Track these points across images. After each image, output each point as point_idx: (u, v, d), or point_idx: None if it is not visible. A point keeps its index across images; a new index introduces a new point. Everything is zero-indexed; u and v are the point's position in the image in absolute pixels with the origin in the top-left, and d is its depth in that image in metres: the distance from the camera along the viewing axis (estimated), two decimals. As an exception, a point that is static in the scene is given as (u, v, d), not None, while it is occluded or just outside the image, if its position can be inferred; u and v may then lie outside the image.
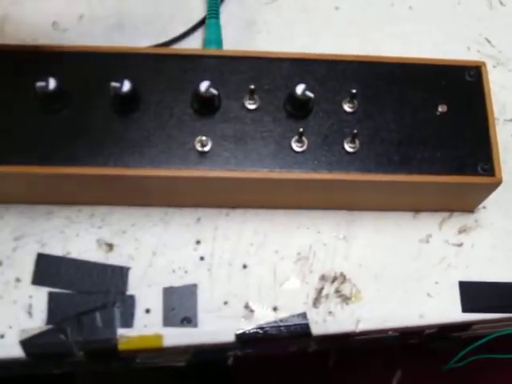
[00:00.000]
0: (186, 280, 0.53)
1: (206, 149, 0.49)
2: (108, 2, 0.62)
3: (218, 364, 0.59)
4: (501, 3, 0.67)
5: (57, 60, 0.51)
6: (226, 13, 0.62)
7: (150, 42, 0.59)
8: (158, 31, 0.61)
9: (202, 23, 0.61)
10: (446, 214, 0.57)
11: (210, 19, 0.59)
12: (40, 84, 0.48)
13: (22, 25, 0.57)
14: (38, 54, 0.51)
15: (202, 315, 0.52)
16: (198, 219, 0.55)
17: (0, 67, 0.50)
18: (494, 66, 0.63)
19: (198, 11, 0.62)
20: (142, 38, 0.60)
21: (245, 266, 0.54)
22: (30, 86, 0.48)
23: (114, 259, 0.53)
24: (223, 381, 0.92)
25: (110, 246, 0.53)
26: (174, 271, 0.53)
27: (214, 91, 0.49)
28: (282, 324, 0.52)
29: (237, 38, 0.61)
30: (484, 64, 0.53)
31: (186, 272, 0.53)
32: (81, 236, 0.53)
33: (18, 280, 0.52)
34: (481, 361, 0.61)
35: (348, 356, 0.91)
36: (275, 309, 0.52)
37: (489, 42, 0.64)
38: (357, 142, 0.50)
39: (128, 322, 0.51)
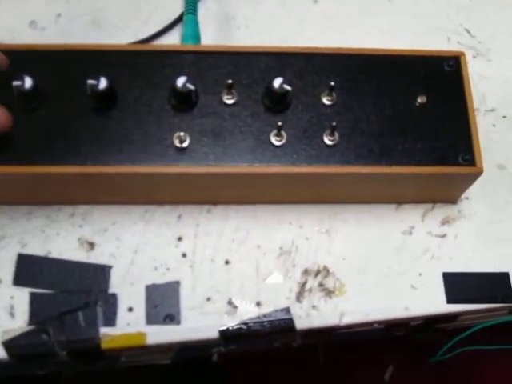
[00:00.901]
0: (169, 277, 0.53)
1: (185, 145, 0.49)
2: (85, 1, 0.62)
3: (203, 361, 0.59)
4: (481, -7, 0.67)
5: (33, 59, 0.50)
6: (204, 9, 0.61)
7: (128, 39, 0.59)
8: (136, 29, 0.61)
9: (179, 20, 0.61)
10: (428, 206, 0.57)
11: (188, 15, 0.58)
12: (16, 83, 0.47)
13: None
14: (15, 52, 0.50)
15: (184, 312, 0.52)
16: (179, 216, 0.54)
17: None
18: (474, 57, 0.63)
19: (176, 8, 0.62)
20: (120, 36, 0.60)
21: (227, 262, 0.53)
22: (7, 86, 0.47)
23: (95, 258, 0.53)
24: (209, 377, 0.92)
25: (91, 245, 0.53)
26: (156, 268, 0.53)
27: (190, 86, 0.48)
28: (265, 319, 0.52)
29: (216, 34, 0.61)
30: (463, 54, 0.53)
31: (168, 269, 0.53)
32: (61, 235, 0.53)
33: (-2, 281, 0.51)
34: (468, 352, 0.61)
35: (338, 351, 0.91)
36: (258, 304, 0.52)
37: (468, 32, 0.64)
38: (336, 134, 0.50)
39: (111, 320, 0.51)
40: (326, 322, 0.52)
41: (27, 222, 0.53)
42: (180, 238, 0.54)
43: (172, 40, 0.60)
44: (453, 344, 0.60)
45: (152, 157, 0.48)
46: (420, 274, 0.54)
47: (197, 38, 0.57)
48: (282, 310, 0.52)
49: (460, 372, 0.84)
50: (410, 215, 0.56)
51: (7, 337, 0.50)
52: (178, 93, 0.49)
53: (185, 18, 0.58)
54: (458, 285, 0.54)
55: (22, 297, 0.51)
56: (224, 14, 0.62)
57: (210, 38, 0.60)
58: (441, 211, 0.56)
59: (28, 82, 0.47)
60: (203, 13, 0.61)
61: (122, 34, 0.60)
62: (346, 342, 0.58)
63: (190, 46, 0.54)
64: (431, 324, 0.57)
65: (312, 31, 0.62)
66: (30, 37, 0.59)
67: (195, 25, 0.58)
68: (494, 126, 0.60)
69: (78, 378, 0.83)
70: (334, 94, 0.51)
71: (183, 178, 0.49)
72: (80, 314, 0.51)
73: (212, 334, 0.51)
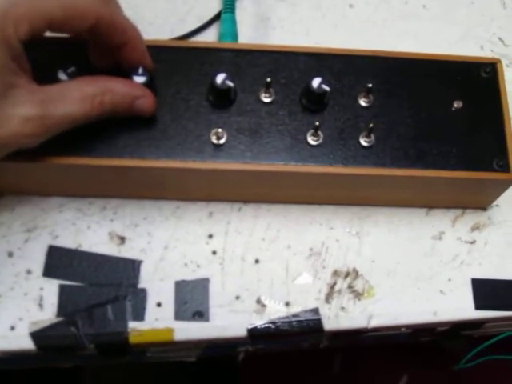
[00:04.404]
0: (198, 274, 0.53)
1: (222, 141, 0.49)
2: (122, -4, 0.62)
3: (228, 360, 0.59)
4: (514, 3, 0.67)
5: (72, 52, 0.50)
6: (240, 9, 0.62)
7: (164, 37, 0.59)
8: (172, 26, 0.61)
9: (216, 18, 0.61)
10: (458, 211, 0.57)
11: (226, 13, 0.59)
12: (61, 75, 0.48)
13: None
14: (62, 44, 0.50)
15: (213, 309, 0.52)
16: (211, 213, 0.54)
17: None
18: (508, 66, 0.63)
19: (213, 7, 0.62)
20: (155, 33, 0.60)
21: (257, 261, 0.53)
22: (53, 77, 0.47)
23: (125, 252, 0.53)
24: (232, 377, 0.92)
25: (122, 239, 0.53)
26: (186, 265, 0.53)
27: (230, 83, 0.48)
28: (294, 319, 0.52)
29: (251, 34, 0.61)
30: (499, 61, 0.53)
31: (198, 266, 0.53)
32: (92, 229, 0.53)
33: (28, 272, 0.51)
34: (490, 362, 0.61)
35: (352, 357, 0.91)
36: (287, 304, 0.52)
37: (502, 41, 0.64)
38: (372, 136, 0.50)
39: (139, 315, 0.51)
40: (354, 324, 0.52)
41: (59, 215, 0.53)
42: (211, 236, 0.54)
43: (208, 38, 0.60)
44: (476, 352, 0.60)
45: (189, 152, 0.48)
46: (449, 280, 0.54)
47: (235, 36, 0.57)
48: (310, 311, 0.52)
49: (477, 381, 0.83)
50: (441, 220, 0.56)
51: (35, 328, 0.50)
52: (216, 89, 0.49)
53: (223, 16, 0.59)
54: (486, 291, 0.54)
55: (51, 288, 0.51)
56: (259, 15, 0.62)
57: (245, 37, 0.60)
58: (471, 217, 0.57)
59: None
60: (239, 12, 0.61)
61: (157, 31, 0.60)
62: (372, 345, 0.58)
63: (228, 44, 0.54)
64: (458, 330, 0.57)
65: (347, 35, 0.62)
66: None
67: (233, 23, 0.58)
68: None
69: (98, 372, 0.83)
70: (371, 96, 0.51)
71: (219, 175, 0.50)
72: (109, 308, 0.51)
73: (240, 332, 0.51)
